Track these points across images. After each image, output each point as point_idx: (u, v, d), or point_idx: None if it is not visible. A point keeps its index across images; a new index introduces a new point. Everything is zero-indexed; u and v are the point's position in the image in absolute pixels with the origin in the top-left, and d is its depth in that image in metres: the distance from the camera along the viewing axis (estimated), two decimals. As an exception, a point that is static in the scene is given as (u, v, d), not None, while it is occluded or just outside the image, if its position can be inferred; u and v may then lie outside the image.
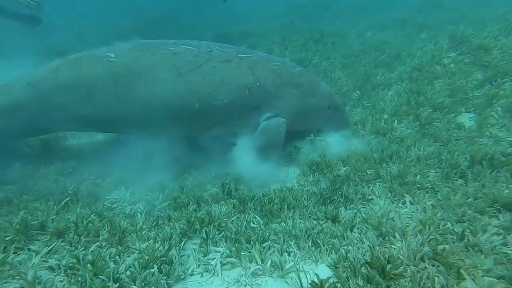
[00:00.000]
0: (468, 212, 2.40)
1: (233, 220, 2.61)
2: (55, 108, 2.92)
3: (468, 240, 2.12)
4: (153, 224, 2.57)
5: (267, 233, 2.34)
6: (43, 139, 3.63)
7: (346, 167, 3.28)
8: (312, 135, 3.62)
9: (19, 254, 2.20)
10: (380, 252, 1.97)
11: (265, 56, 3.61)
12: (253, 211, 2.72)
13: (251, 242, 2.22)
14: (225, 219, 2.54)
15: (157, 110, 3.03)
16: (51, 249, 2.19)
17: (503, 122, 3.58)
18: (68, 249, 2.21)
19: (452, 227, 2.27)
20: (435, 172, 3.00)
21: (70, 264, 2.04)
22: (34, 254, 2.15)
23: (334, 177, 3.05)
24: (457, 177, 2.87)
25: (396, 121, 3.94)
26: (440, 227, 2.28)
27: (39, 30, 6.99)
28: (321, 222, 2.50)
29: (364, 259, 1.97)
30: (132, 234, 2.36)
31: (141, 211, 2.70)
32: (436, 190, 2.74)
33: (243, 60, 3.28)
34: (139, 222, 2.53)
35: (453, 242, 2.10)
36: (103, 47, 3.22)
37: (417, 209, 2.56)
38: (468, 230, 2.19)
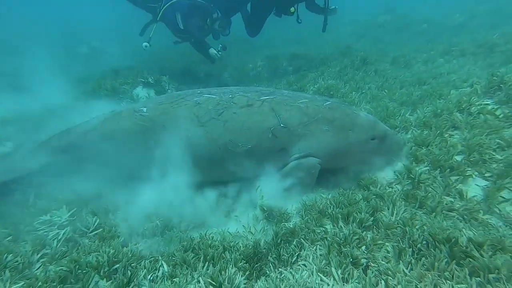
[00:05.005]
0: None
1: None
2: (97, 155, 3.35)
3: None
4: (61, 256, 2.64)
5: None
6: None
7: (298, 219, 2.96)
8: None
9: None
10: None
11: (291, 94, 3.45)
12: (166, 257, 2.57)
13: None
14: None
15: (180, 159, 3.17)
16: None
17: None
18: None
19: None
20: (391, 247, 2.46)
21: None
22: None
23: (278, 229, 2.78)
24: (411, 258, 2.30)
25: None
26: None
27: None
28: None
29: None
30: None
31: (59, 238, 2.80)
32: (371, 269, 2.25)
33: (265, 102, 3.21)
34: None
35: None
36: (140, 103, 3.58)
37: (338, 290, 2.15)
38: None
